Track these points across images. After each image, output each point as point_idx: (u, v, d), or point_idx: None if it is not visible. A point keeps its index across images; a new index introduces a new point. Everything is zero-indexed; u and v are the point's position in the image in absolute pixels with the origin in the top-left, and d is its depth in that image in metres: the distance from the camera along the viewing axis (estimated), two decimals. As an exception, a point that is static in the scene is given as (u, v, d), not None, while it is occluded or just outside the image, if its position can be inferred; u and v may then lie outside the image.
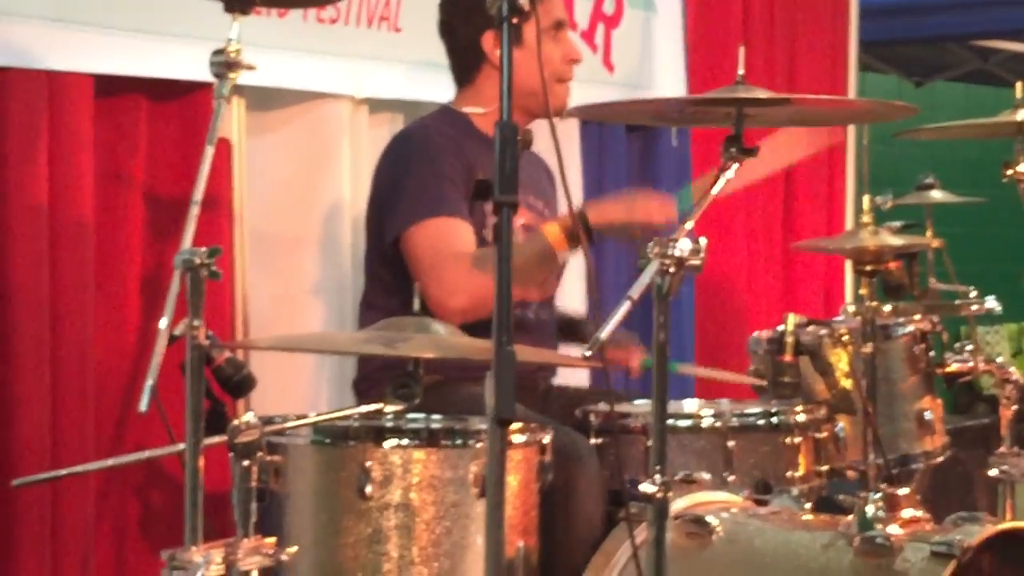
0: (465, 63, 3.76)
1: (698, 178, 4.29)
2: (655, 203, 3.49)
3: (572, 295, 4.16)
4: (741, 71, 2.84)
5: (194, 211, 2.76)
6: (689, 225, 2.67)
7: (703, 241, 2.59)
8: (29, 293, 3.39)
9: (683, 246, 2.57)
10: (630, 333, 3.89)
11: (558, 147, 2.55)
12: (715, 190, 2.75)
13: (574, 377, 4.30)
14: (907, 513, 3.12)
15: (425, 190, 3.52)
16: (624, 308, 2.57)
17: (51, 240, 3.43)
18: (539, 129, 3.19)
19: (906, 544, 2.93)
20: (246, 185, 3.91)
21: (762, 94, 2.81)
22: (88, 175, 3.52)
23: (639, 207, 3.45)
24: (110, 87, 3.58)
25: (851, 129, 6.03)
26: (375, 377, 3.57)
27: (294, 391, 4.03)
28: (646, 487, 2.59)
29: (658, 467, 2.61)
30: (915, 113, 3.09)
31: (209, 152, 2.82)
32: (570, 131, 4.73)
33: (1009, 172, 3.80)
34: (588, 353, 2.54)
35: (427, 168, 3.56)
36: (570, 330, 3.91)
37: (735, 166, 2.75)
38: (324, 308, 4.10)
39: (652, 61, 5.12)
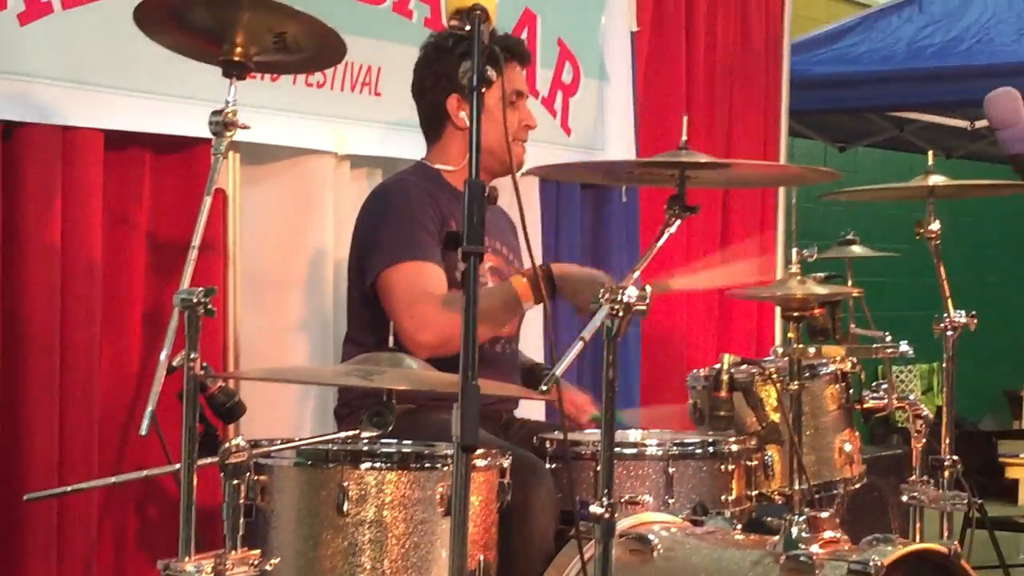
0: (432, 123, 3.77)
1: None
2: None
3: (531, 334, 4.16)
4: (684, 137, 2.86)
5: (192, 254, 2.76)
6: (636, 274, 2.69)
7: (648, 289, 2.61)
8: (41, 326, 3.38)
9: (631, 293, 2.59)
10: (583, 388, 3.92)
11: (519, 201, 2.56)
12: (659, 243, 2.78)
13: (533, 412, 4.32)
14: (828, 535, 3.12)
15: (401, 236, 3.52)
16: (577, 348, 2.59)
17: (63, 278, 3.43)
18: (503, 186, 3.21)
19: (826, 563, 2.93)
20: (240, 231, 3.91)
21: (703, 158, 2.84)
22: (97, 220, 3.52)
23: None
24: (118, 142, 3.59)
25: (781, 190, 6.07)
26: (354, 405, 3.56)
27: (280, 417, 4.01)
28: (594, 508, 2.60)
29: (606, 490, 2.62)
30: (838, 177, 3.12)
31: (207, 201, 2.82)
32: (530, 188, 4.74)
33: (921, 231, 3.83)
34: (544, 388, 2.54)
35: (403, 216, 3.56)
36: (530, 375, 3.91)
37: (677, 222, 2.78)
38: (308, 343, 4.09)
39: (605, 126, 5.14)
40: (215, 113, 2.88)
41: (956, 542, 3.46)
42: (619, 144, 5.16)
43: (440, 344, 3.35)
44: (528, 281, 3.41)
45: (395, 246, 3.51)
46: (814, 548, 2.99)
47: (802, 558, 2.95)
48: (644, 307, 2.59)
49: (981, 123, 7.73)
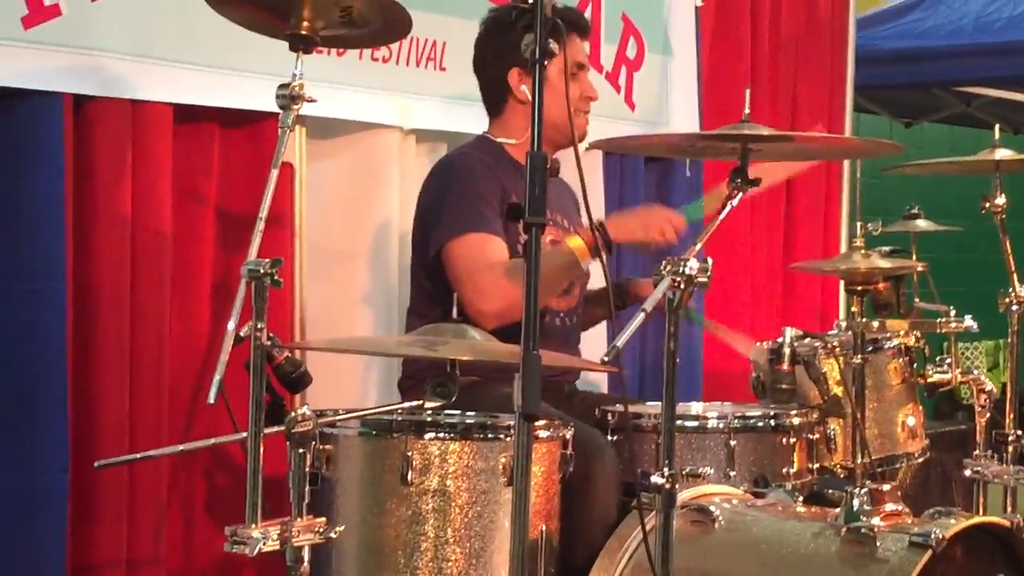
0: (494, 97, 3.77)
1: (706, 193, 4.28)
2: (666, 217, 3.49)
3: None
4: (747, 110, 2.84)
5: (260, 226, 2.77)
6: (699, 246, 2.69)
7: (710, 261, 2.60)
8: (113, 297, 3.41)
9: (692, 265, 2.59)
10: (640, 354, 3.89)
11: (581, 172, 2.56)
12: (722, 216, 2.77)
13: (596, 383, 4.32)
14: (889, 507, 3.10)
15: (464, 209, 3.53)
16: (639, 320, 2.58)
17: (133, 250, 3.46)
18: (564, 158, 3.21)
19: (887, 535, 2.91)
20: (306, 204, 3.92)
21: (765, 131, 2.82)
22: (166, 193, 3.55)
23: (653, 222, 3.45)
24: (187, 115, 3.61)
25: (846, 164, 6.02)
26: (418, 377, 3.58)
27: (345, 388, 4.03)
28: (656, 479, 2.61)
29: (667, 462, 2.62)
30: (901, 151, 3.10)
31: (274, 175, 2.83)
32: (594, 162, 4.72)
33: (987, 205, 3.80)
34: (606, 359, 2.54)
35: (466, 189, 3.56)
36: (598, 300, 3.90)
37: (740, 196, 2.76)
38: (373, 315, 4.11)
39: (669, 100, 5.12)
40: (282, 87, 2.88)
41: (1019, 515, 3.44)
42: (683, 119, 5.14)
43: (503, 312, 3.35)
44: (583, 239, 3.41)
45: (458, 218, 3.51)
46: (875, 520, 2.96)
47: (863, 530, 2.93)
48: (706, 279, 2.59)
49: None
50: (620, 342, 2.55)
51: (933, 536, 2.84)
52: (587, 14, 4.64)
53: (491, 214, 3.51)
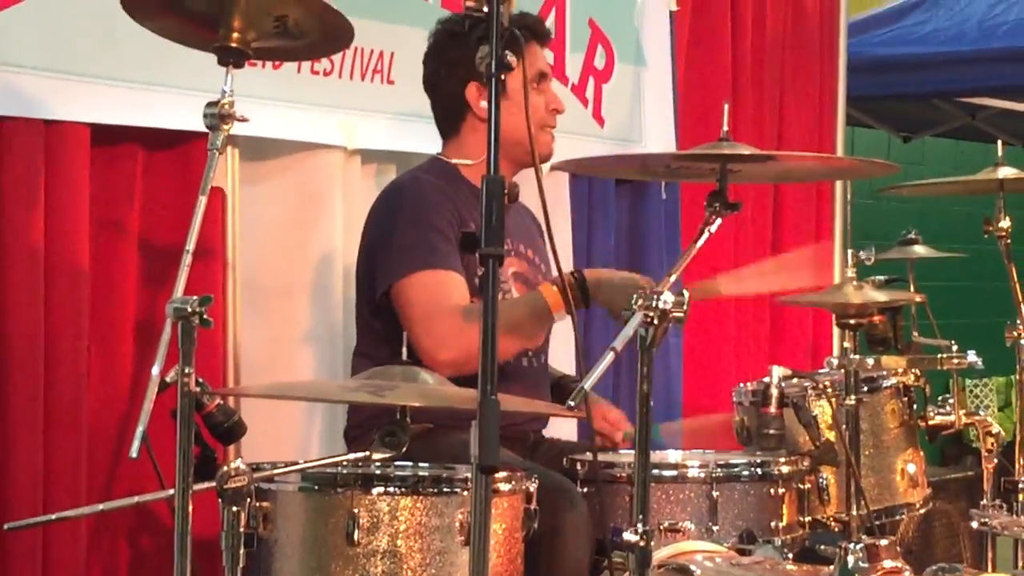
0: (450, 115, 3.79)
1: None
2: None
3: (561, 345, 4.17)
4: (726, 128, 2.87)
5: (186, 260, 2.78)
6: (673, 277, 2.71)
7: (686, 294, 2.63)
8: (23, 338, 3.41)
9: (666, 299, 2.61)
10: (617, 409, 3.94)
11: (543, 195, 2.57)
12: (699, 243, 2.79)
13: (564, 431, 4.33)
14: (888, 564, 3.13)
15: (416, 242, 3.53)
16: (608, 359, 2.60)
17: (46, 286, 3.46)
18: (526, 180, 3.23)
19: (886, 595, 2.94)
20: (239, 233, 3.93)
21: (745, 150, 2.85)
22: (84, 222, 3.54)
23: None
24: (107, 136, 3.61)
25: (839, 185, 6.06)
26: (365, 425, 3.57)
27: (285, 439, 4.04)
28: (628, 536, 2.62)
29: (640, 516, 2.63)
30: (897, 171, 3.13)
31: (202, 202, 2.83)
32: (559, 184, 4.75)
33: (990, 228, 3.83)
34: (572, 403, 2.56)
35: (418, 220, 3.57)
36: (559, 390, 3.93)
37: (718, 221, 2.79)
38: (316, 355, 4.11)
39: (642, 115, 5.15)
40: (210, 105, 2.89)
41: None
42: (658, 136, 5.17)
43: (463, 362, 3.35)
44: (558, 290, 3.43)
45: (410, 253, 3.51)
46: (872, 579, 2.99)
47: (859, 590, 2.95)
48: (681, 314, 2.61)
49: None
50: (588, 384, 2.57)
51: (935, 595, 2.86)
52: (551, 20, 4.67)
53: (446, 247, 3.52)
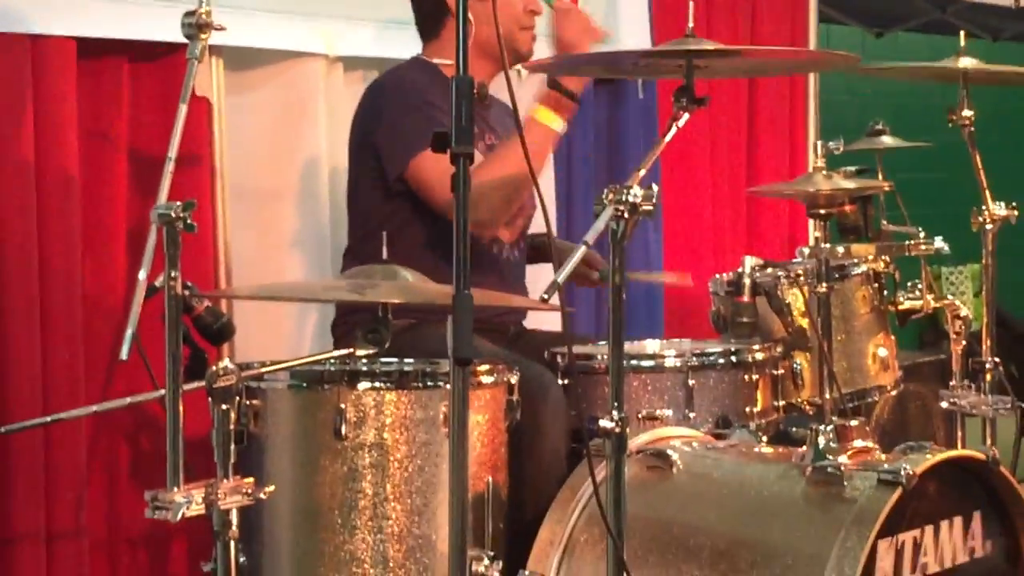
0: (430, 15, 3.75)
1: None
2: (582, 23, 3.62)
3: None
4: (691, 23, 2.85)
5: (169, 167, 2.75)
6: (643, 172, 2.69)
7: (655, 187, 2.61)
8: (18, 249, 3.40)
9: (636, 192, 2.59)
10: (597, 333, 3.93)
11: (512, 95, 2.54)
12: (667, 138, 2.77)
13: (547, 321, 4.32)
14: (858, 443, 3.15)
15: (421, 121, 3.49)
16: (580, 253, 2.59)
17: (38, 198, 3.44)
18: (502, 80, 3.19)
19: (855, 473, 2.95)
20: (226, 142, 3.89)
21: (709, 46, 2.82)
22: (73, 134, 3.52)
23: (579, 30, 3.58)
24: (93, 49, 3.58)
25: (811, 80, 6.02)
26: (350, 321, 3.58)
27: (277, 339, 4.04)
28: (605, 423, 2.62)
29: (615, 404, 2.64)
30: (856, 62, 3.10)
31: (183, 110, 2.81)
32: (538, 84, 4.70)
33: (953, 118, 3.80)
34: (545, 296, 2.55)
35: (413, 102, 3.55)
36: (535, 253, 3.92)
37: (685, 116, 2.77)
38: (304, 258, 4.10)
39: (617, 15, 5.09)
40: (188, 14, 2.86)
41: (994, 448, 3.48)
42: (633, 35, 5.11)
43: (491, 214, 3.44)
44: (541, 101, 3.45)
45: (419, 132, 3.45)
46: (842, 458, 3.00)
47: (830, 469, 2.96)
48: (651, 207, 2.59)
49: (1029, 0, 7.65)
50: (560, 277, 2.56)
51: (903, 473, 2.87)
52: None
53: (447, 121, 3.48)
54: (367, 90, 3.78)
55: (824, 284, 3.51)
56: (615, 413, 2.62)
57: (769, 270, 3.71)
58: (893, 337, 3.99)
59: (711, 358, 3.50)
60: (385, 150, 3.58)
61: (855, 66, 3.11)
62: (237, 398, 2.69)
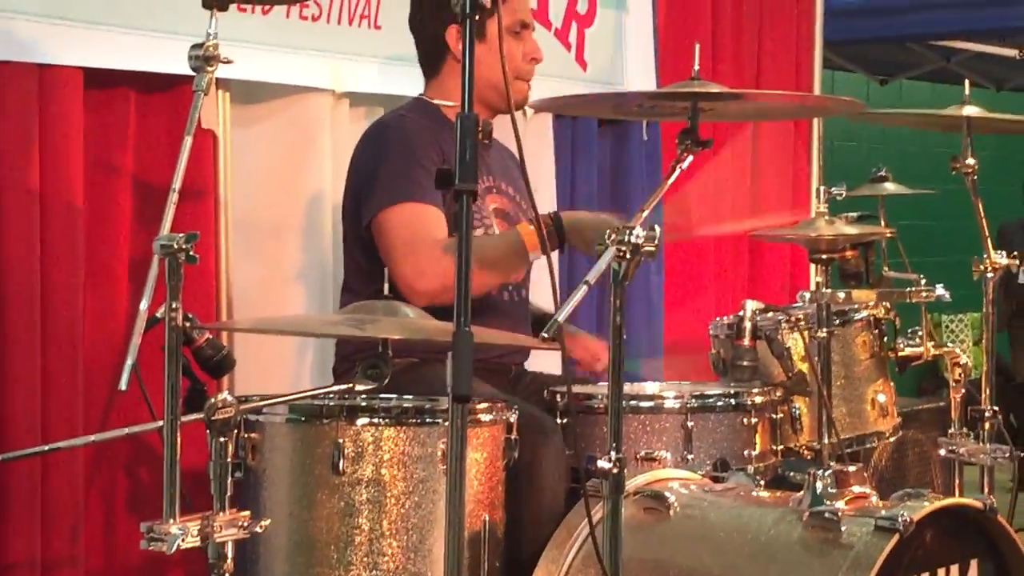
0: (431, 56, 3.76)
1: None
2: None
3: (544, 283, 4.16)
4: (696, 67, 2.85)
5: (172, 199, 2.74)
6: (645, 213, 2.69)
7: (658, 229, 2.61)
8: (21, 276, 3.40)
9: (638, 233, 2.59)
10: (599, 335, 3.92)
11: (518, 139, 2.54)
12: (671, 180, 2.77)
13: (547, 364, 4.31)
14: (856, 489, 3.13)
15: (400, 176, 3.50)
16: (581, 292, 2.58)
17: (43, 227, 3.44)
18: (506, 123, 3.20)
19: (852, 519, 2.93)
20: (231, 174, 3.91)
21: (715, 88, 2.82)
22: (78, 164, 3.52)
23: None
24: (100, 80, 3.59)
25: (816, 125, 6.04)
26: (351, 359, 3.57)
27: (277, 374, 4.03)
28: (602, 463, 2.61)
29: (614, 444, 2.62)
30: (861, 108, 3.10)
31: (188, 142, 2.80)
32: (543, 126, 4.73)
33: (956, 166, 3.80)
34: (546, 335, 2.54)
35: (403, 155, 3.55)
36: (539, 326, 3.91)
37: (690, 158, 2.77)
38: (306, 292, 4.10)
39: (624, 59, 5.13)
40: (195, 47, 2.85)
41: (991, 497, 3.46)
42: (639, 78, 5.14)
43: (440, 292, 3.33)
44: (534, 230, 3.41)
45: (393, 186, 3.49)
46: (840, 504, 2.98)
47: (827, 514, 2.95)
48: (653, 248, 2.59)
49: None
50: (561, 317, 2.55)
51: (900, 519, 2.86)
52: (534, -37, 4.64)
53: (429, 182, 3.48)
54: (368, 130, 3.78)
55: (824, 329, 3.51)
56: (613, 454, 2.61)
57: (770, 314, 3.70)
58: (892, 384, 3.98)
59: (710, 400, 3.49)
60: (364, 194, 3.58)
61: (859, 112, 3.11)
62: (235, 431, 2.69)
